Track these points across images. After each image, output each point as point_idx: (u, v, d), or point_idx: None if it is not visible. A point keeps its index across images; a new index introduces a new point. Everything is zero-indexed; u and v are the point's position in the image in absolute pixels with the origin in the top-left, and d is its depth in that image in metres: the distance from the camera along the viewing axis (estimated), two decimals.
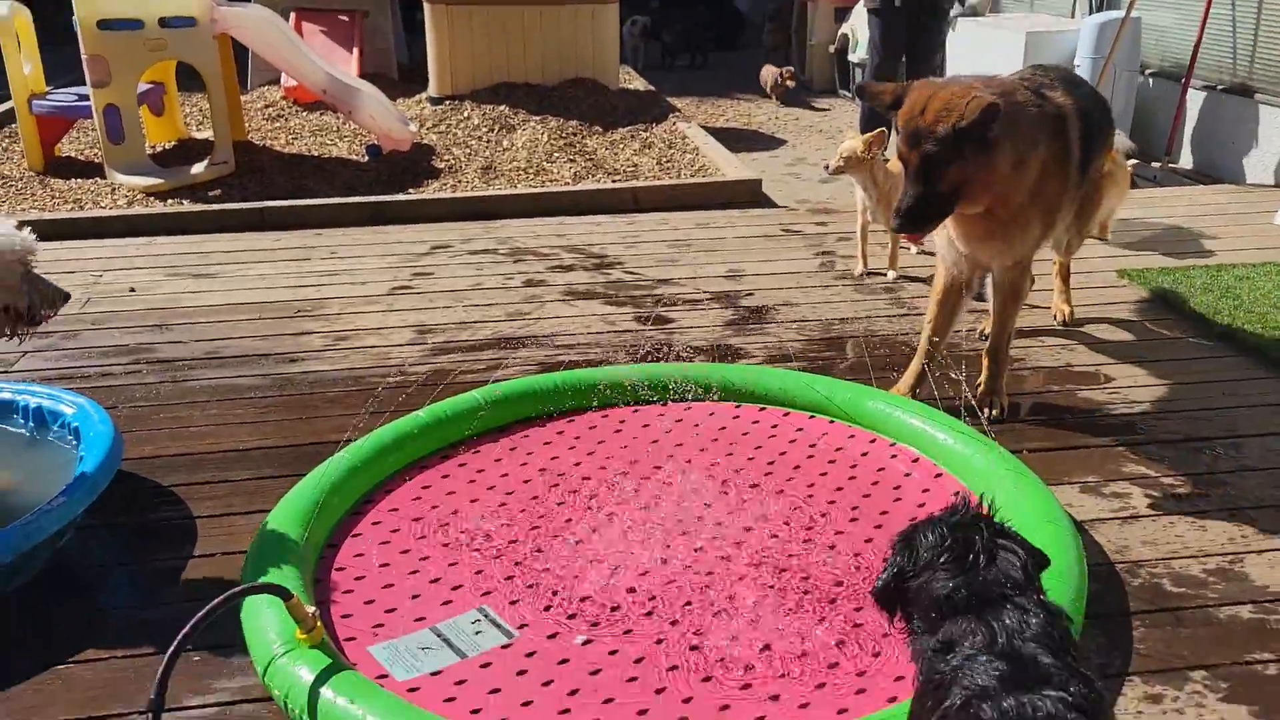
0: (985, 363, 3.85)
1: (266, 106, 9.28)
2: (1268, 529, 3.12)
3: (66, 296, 3.06)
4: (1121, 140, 5.21)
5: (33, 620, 2.78)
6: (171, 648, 2.27)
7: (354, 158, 7.96)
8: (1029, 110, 3.34)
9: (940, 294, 3.80)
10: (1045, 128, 3.39)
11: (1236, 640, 2.65)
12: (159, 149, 7.98)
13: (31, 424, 3.44)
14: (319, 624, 2.48)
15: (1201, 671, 2.54)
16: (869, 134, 5.07)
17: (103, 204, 6.78)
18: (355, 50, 9.69)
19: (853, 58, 10.69)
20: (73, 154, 7.90)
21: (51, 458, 3.32)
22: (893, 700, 2.39)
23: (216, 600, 2.35)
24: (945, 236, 3.65)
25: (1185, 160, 7.71)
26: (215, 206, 6.66)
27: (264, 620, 2.54)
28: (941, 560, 1.80)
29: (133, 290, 5.23)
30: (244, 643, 2.59)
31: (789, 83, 11.06)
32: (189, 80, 8.13)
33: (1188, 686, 2.49)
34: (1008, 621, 1.67)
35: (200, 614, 2.30)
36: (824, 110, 10.89)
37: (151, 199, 6.83)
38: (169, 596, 2.88)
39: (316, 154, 8.06)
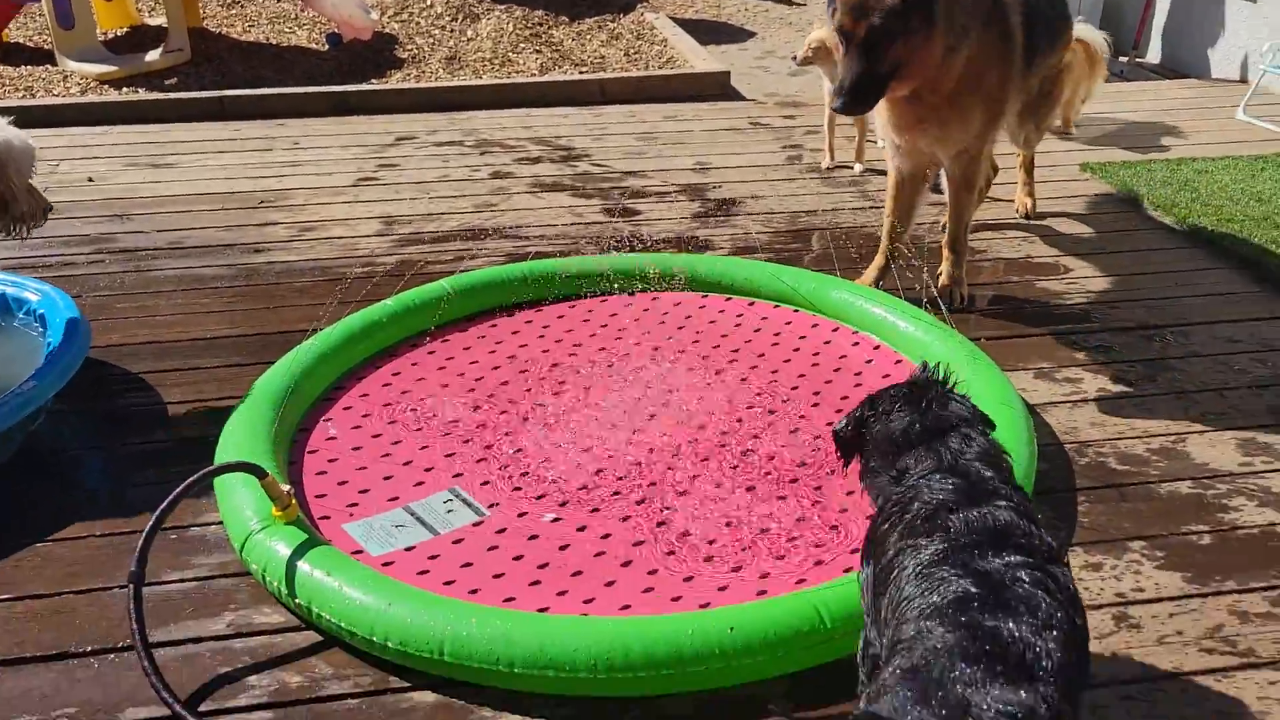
0: (945, 254, 3.91)
1: None
2: (1210, 411, 3.24)
3: (50, 208, 3.13)
4: (1090, 31, 5.17)
5: (8, 501, 2.82)
6: (150, 522, 2.33)
7: (314, 46, 7.77)
8: (969, 7, 3.31)
9: (894, 187, 3.83)
10: (981, 13, 3.36)
11: (1174, 514, 2.78)
12: (110, 35, 7.73)
13: None
14: (294, 502, 2.54)
15: (1140, 542, 2.67)
16: None
17: (55, 92, 6.60)
18: None
19: None
20: (21, 40, 7.65)
21: (17, 344, 3.32)
22: (848, 570, 2.50)
23: (193, 477, 2.41)
24: (881, 126, 3.65)
25: (1153, 55, 7.71)
26: (173, 95, 6.51)
27: (240, 499, 2.60)
28: (898, 405, 2.02)
29: (91, 180, 5.15)
30: (220, 523, 2.66)
31: None
32: None
33: (1126, 556, 2.63)
34: (953, 445, 1.90)
35: (178, 490, 2.36)
36: (794, 3, 10.70)
37: (105, 87, 6.66)
38: (142, 479, 2.92)
39: (275, 42, 7.86)
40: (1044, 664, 1.52)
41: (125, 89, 6.64)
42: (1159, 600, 2.48)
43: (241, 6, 8.70)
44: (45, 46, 7.34)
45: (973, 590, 1.60)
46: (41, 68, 6.93)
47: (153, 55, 7.07)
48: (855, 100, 3.30)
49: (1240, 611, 2.45)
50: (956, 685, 1.47)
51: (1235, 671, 2.28)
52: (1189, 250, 4.38)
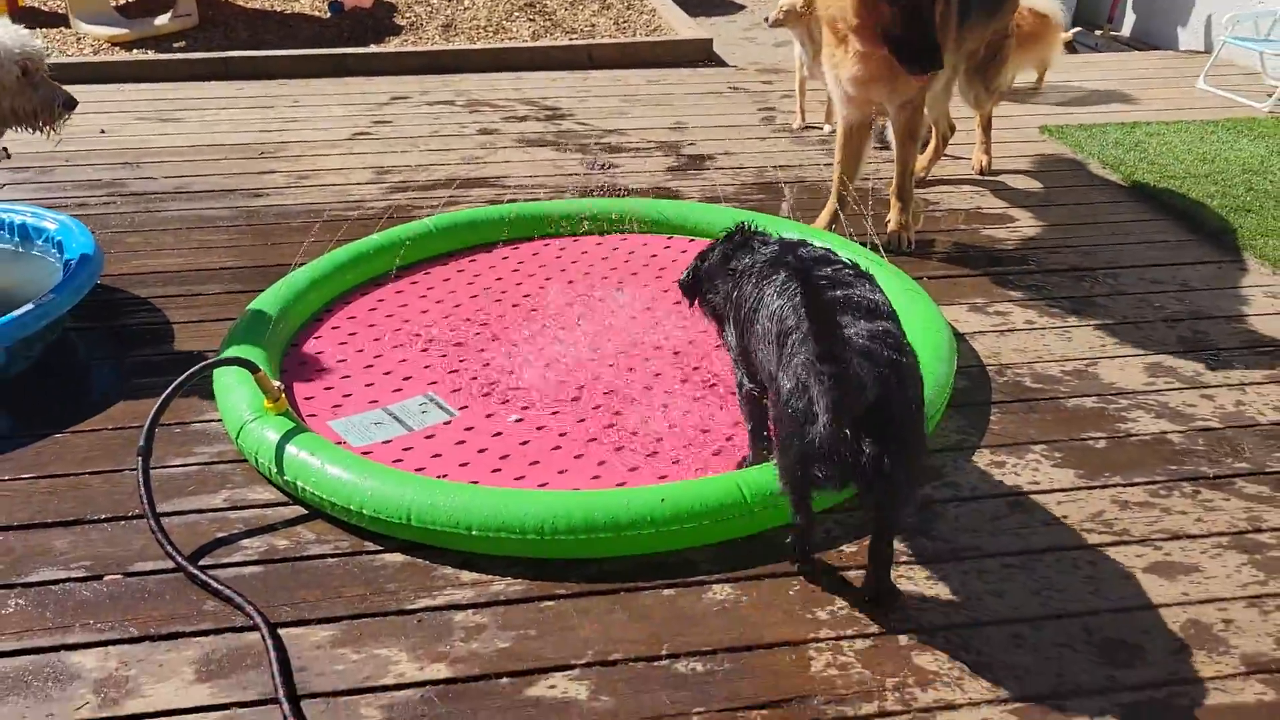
0: (893, 201, 4.20)
1: None
2: (1126, 339, 3.54)
3: (71, 103, 3.29)
4: (1047, 3, 5.45)
5: (29, 401, 3.15)
6: (156, 405, 2.65)
7: (316, 14, 8.07)
8: None
9: (843, 136, 4.12)
10: None
11: (1076, 422, 3.09)
12: (122, 1, 8.03)
13: (16, 238, 3.75)
14: (283, 396, 2.86)
15: (1041, 445, 2.98)
16: None
17: (69, 53, 6.91)
18: None
19: None
20: (35, 4, 7.95)
21: (36, 267, 3.64)
22: None
23: (195, 368, 2.73)
24: (833, 81, 3.91)
25: (1126, 28, 7.96)
26: (179, 56, 6.81)
27: (235, 395, 2.92)
28: (721, 247, 2.70)
29: (103, 132, 5.46)
30: (218, 420, 2.98)
31: None
32: None
33: (1028, 456, 2.93)
34: (757, 244, 2.62)
35: (180, 378, 2.69)
36: None
37: (116, 49, 6.96)
38: (149, 384, 3.22)
39: (280, 9, 8.15)
40: (885, 309, 2.29)
41: (135, 50, 6.95)
42: (1050, 491, 2.79)
43: None
44: (59, 10, 7.64)
45: (821, 280, 2.30)
46: (56, 30, 7.24)
47: (162, 20, 7.37)
48: (930, 61, 3.49)
49: (1121, 501, 2.75)
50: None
51: (1108, 548, 2.59)
52: (1130, 204, 4.67)
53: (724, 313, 2.66)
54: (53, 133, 3.30)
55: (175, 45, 7.16)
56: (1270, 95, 6.00)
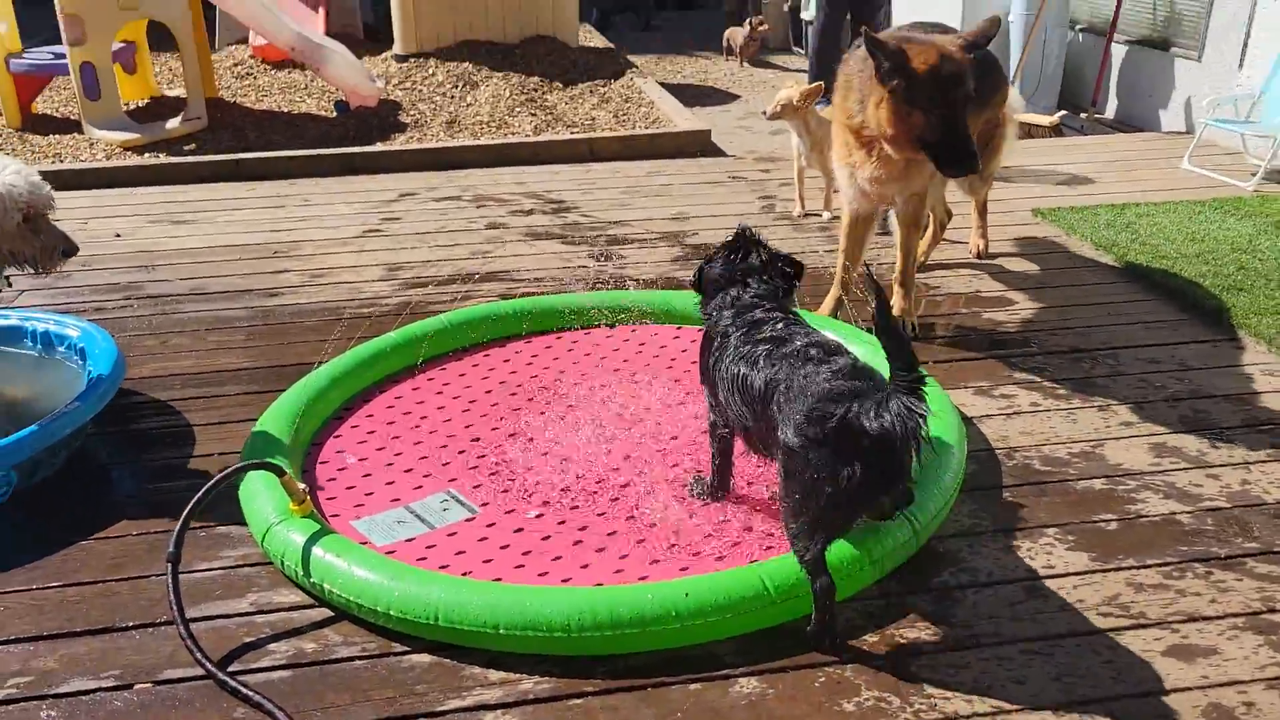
0: (895, 288, 4.30)
1: (235, 65, 9.57)
2: (1128, 421, 3.61)
3: (70, 250, 3.32)
4: (1015, 96, 5.65)
5: (55, 507, 3.19)
6: (185, 511, 2.71)
7: (323, 113, 8.30)
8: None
9: (849, 226, 4.24)
10: None
11: (1086, 505, 3.14)
12: (132, 106, 8.26)
13: (39, 346, 3.82)
14: (309, 498, 2.91)
15: (1054, 529, 3.03)
16: (807, 86, 5.49)
17: (82, 158, 7.09)
18: (321, 9, 9.95)
19: (805, 15, 11.07)
20: (49, 111, 8.18)
21: (59, 375, 3.71)
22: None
23: (222, 473, 2.79)
24: (848, 178, 4.05)
25: (1110, 111, 8.19)
26: (192, 159, 7.00)
27: (260, 498, 2.97)
28: (718, 256, 3.05)
29: (118, 236, 5.58)
30: (243, 523, 3.02)
31: (761, 30, 11.21)
32: (158, 40, 8.41)
33: (1041, 540, 2.98)
34: (733, 292, 2.96)
35: (209, 484, 2.74)
36: (778, 68, 11.28)
37: (129, 153, 7.15)
38: (172, 487, 3.28)
39: (286, 110, 8.38)
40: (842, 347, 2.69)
41: (147, 154, 7.13)
42: (1065, 575, 2.83)
43: (254, 78, 9.26)
44: (71, 116, 7.86)
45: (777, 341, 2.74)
46: (69, 136, 7.44)
47: (173, 123, 7.58)
48: (973, 164, 3.59)
49: (1136, 583, 2.80)
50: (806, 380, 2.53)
51: (1126, 631, 2.63)
52: (1124, 284, 4.78)
53: (706, 354, 2.99)
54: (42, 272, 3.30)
55: (186, 148, 7.35)
56: (1254, 174, 6.17)
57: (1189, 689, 2.43)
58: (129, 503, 3.24)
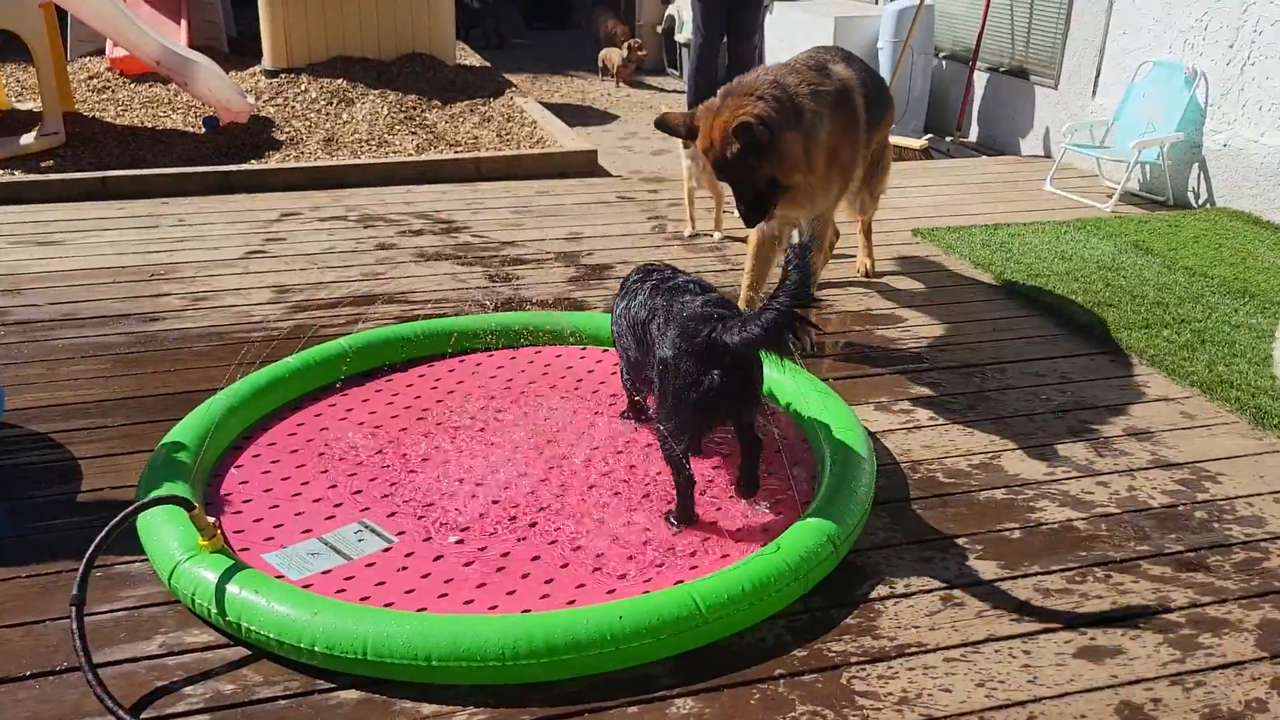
0: None
1: (91, 78, 9.12)
2: (1020, 433, 3.78)
3: None
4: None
5: None
6: (89, 551, 2.55)
7: (190, 129, 7.98)
8: (810, 92, 3.86)
9: (755, 247, 4.32)
10: (830, 100, 3.93)
11: (990, 515, 3.27)
12: None
13: None
14: (219, 532, 2.79)
15: (963, 539, 3.14)
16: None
17: None
18: (183, 21, 9.60)
19: (679, 38, 11.26)
20: None
21: None
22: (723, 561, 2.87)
23: (130, 508, 2.65)
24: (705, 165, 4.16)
25: (973, 134, 8.59)
26: (53, 176, 6.63)
27: (164, 534, 2.83)
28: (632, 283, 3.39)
29: None
30: (141, 559, 2.87)
31: (639, 54, 11.26)
32: (6, 50, 7.96)
33: (951, 550, 3.09)
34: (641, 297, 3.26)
35: (114, 521, 2.59)
36: (654, 88, 11.42)
37: None
38: (61, 525, 3.10)
39: (151, 125, 8.03)
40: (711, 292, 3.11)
41: (1, 171, 6.72)
42: (978, 583, 2.94)
43: (113, 92, 8.84)
44: None
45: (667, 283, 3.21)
46: None
47: (28, 139, 7.16)
48: (756, 217, 3.90)
49: (1043, 589, 2.92)
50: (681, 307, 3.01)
51: (1039, 635, 2.74)
52: (1004, 301, 5.01)
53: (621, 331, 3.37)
54: None
55: (43, 164, 6.96)
56: (1110, 196, 6.56)
57: (1100, 689, 2.55)
58: (12, 543, 3.03)
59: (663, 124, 3.98)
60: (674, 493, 3.13)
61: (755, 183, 3.77)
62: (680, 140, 5.43)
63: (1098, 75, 7.32)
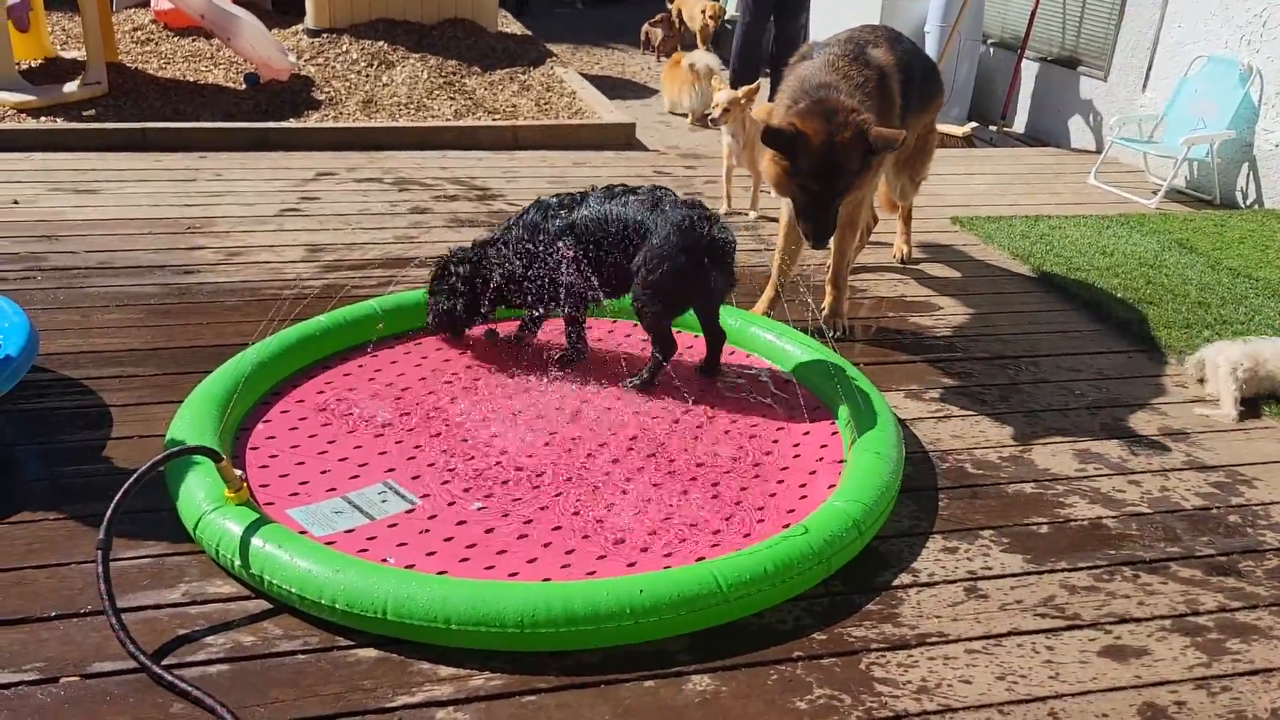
0: (829, 289, 4.36)
1: (135, 29, 9.13)
2: (1053, 427, 3.73)
3: None
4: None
5: None
6: (116, 496, 2.57)
7: (231, 85, 7.99)
8: (862, 88, 3.80)
9: (787, 227, 4.27)
10: (874, 89, 3.86)
11: (1019, 508, 3.23)
12: (25, 66, 7.81)
13: None
14: (245, 485, 2.79)
15: (990, 531, 3.11)
16: (746, 85, 5.59)
17: None
18: None
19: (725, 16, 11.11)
20: None
21: None
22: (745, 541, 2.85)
23: (159, 457, 2.65)
24: (779, 176, 4.07)
25: (1019, 125, 8.46)
26: (94, 125, 6.65)
27: (192, 484, 2.84)
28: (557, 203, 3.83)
29: (16, 203, 5.28)
30: (170, 509, 2.88)
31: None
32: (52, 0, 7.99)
33: (978, 542, 3.05)
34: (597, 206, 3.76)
35: (143, 468, 2.60)
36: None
37: (24, 115, 6.76)
38: (91, 470, 3.12)
39: (192, 79, 8.05)
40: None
41: (44, 118, 6.76)
42: (1003, 576, 2.91)
43: (156, 45, 8.85)
44: None
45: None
46: None
47: (71, 87, 7.19)
48: (823, 241, 3.76)
49: (1069, 585, 2.88)
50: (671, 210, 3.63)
51: (1063, 631, 2.71)
52: (1041, 294, 4.94)
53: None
54: None
55: (85, 113, 6.99)
56: (1155, 193, 6.44)
57: (1124, 688, 2.52)
58: (41, 486, 3.06)
59: (773, 136, 3.61)
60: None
61: (837, 192, 3.66)
62: (732, 120, 5.39)
63: (1149, 68, 7.18)
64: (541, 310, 3.84)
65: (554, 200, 3.78)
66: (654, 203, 3.64)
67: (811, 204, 3.67)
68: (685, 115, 8.61)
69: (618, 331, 4.20)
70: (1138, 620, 2.76)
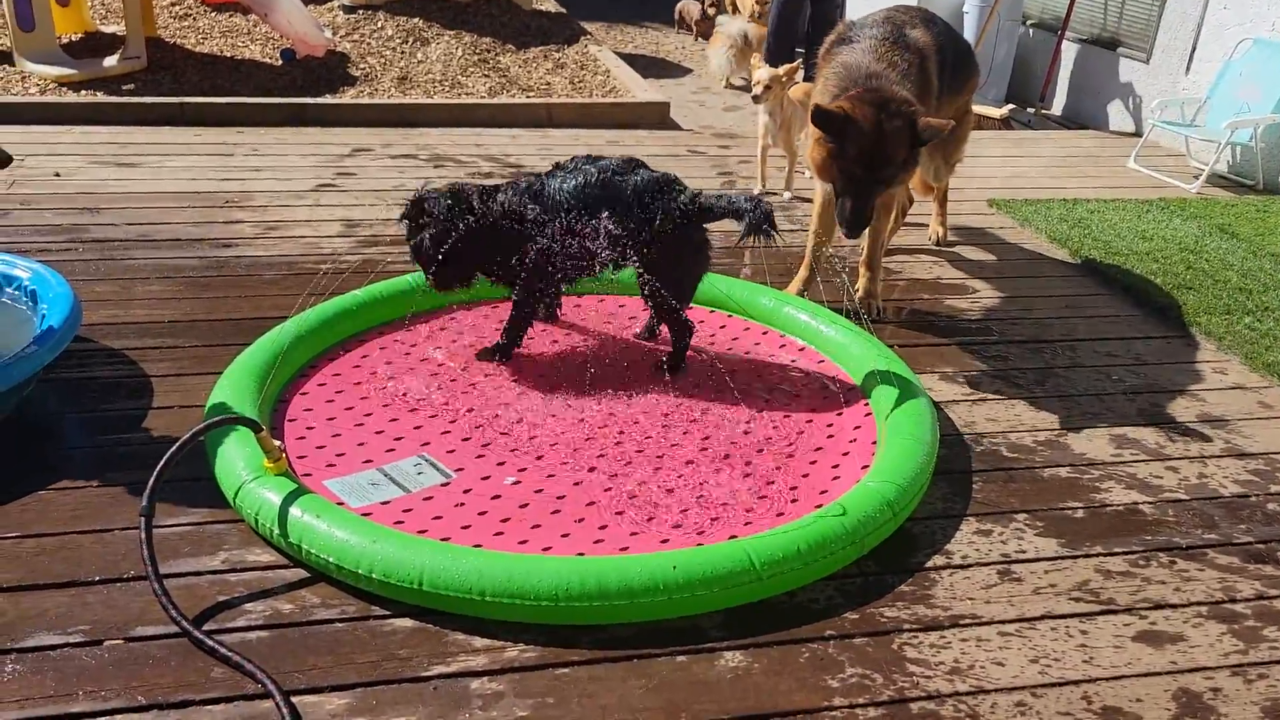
0: (863, 270, 4.34)
1: (173, 4, 9.17)
2: (1089, 412, 3.70)
3: (5, 160, 3.26)
4: None
5: (7, 457, 3.04)
6: (160, 464, 2.61)
7: (268, 60, 8.02)
8: (907, 75, 3.77)
9: (821, 207, 4.25)
10: (912, 72, 3.83)
11: (1053, 492, 3.21)
12: (66, 40, 7.88)
13: None
14: (284, 455, 2.83)
15: (1024, 514, 3.09)
16: (788, 65, 5.56)
17: (14, 92, 6.75)
18: None
19: None
20: None
21: (6, 318, 3.53)
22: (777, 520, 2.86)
23: (200, 426, 2.69)
24: (824, 159, 4.05)
25: (1057, 106, 8.36)
26: (133, 99, 6.71)
27: (231, 454, 2.88)
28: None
29: (58, 175, 5.34)
30: (210, 478, 2.92)
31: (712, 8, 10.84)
32: None
33: (1012, 525, 3.04)
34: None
35: (186, 437, 2.64)
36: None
37: (64, 89, 6.83)
38: (133, 439, 3.17)
39: (229, 54, 8.09)
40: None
41: (84, 92, 6.82)
42: (1037, 560, 2.90)
43: (194, 20, 8.90)
44: (3, 48, 7.46)
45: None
46: (0, 68, 7.06)
47: (110, 61, 7.25)
48: (859, 229, 3.74)
49: (1104, 570, 2.87)
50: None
51: (1097, 616, 2.69)
52: (1080, 278, 4.89)
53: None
54: None
55: (124, 87, 7.05)
56: (1197, 177, 6.35)
57: (1159, 674, 2.50)
58: (84, 454, 3.11)
59: (825, 118, 3.57)
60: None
61: (880, 180, 3.65)
62: (772, 99, 5.37)
63: (1193, 50, 7.07)
64: (542, 283, 3.57)
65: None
66: (663, 184, 3.54)
67: (852, 191, 3.65)
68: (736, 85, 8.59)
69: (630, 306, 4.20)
70: (1173, 606, 2.74)
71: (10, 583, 2.55)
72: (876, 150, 3.56)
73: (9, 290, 3.60)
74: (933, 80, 4.03)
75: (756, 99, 5.47)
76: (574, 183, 3.49)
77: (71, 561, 2.63)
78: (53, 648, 2.36)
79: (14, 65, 7.06)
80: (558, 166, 3.62)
